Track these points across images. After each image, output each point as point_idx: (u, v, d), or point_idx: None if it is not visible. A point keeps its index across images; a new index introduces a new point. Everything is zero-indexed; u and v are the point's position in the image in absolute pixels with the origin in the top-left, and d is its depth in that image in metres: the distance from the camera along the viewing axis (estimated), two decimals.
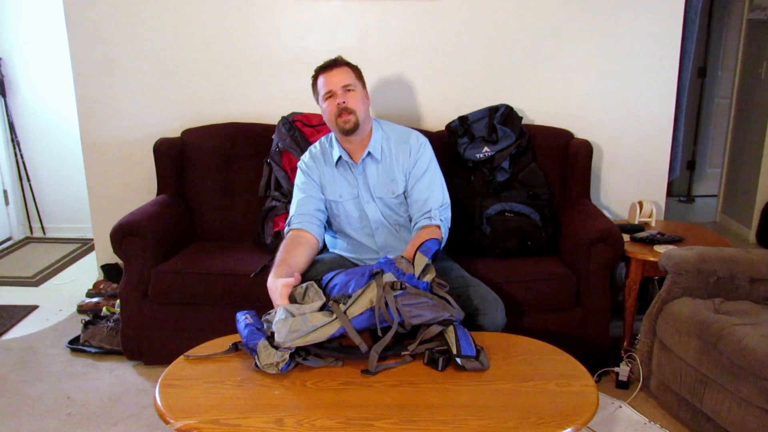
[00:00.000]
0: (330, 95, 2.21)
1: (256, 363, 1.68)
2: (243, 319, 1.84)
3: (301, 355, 1.70)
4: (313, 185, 2.31)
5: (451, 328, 1.72)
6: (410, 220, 2.31)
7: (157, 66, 3.12)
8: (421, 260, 1.84)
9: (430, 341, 1.73)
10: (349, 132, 2.22)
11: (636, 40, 3.01)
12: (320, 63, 2.30)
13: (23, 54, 4.22)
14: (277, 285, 1.87)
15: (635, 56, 3.03)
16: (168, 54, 3.11)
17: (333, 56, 2.29)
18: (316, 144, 2.40)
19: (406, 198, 2.31)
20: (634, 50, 3.03)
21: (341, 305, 1.72)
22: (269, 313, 1.83)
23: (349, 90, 2.21)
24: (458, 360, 1.64)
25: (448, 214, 2.29)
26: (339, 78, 2.20)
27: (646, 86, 3.06)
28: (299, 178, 2.34)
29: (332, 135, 2.35)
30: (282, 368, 1.66)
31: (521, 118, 2.94)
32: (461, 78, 3.09)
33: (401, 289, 1.73)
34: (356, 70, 2.27)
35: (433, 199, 2.26)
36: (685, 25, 3.15)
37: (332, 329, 1.68)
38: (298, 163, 2.38)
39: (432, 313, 1.72)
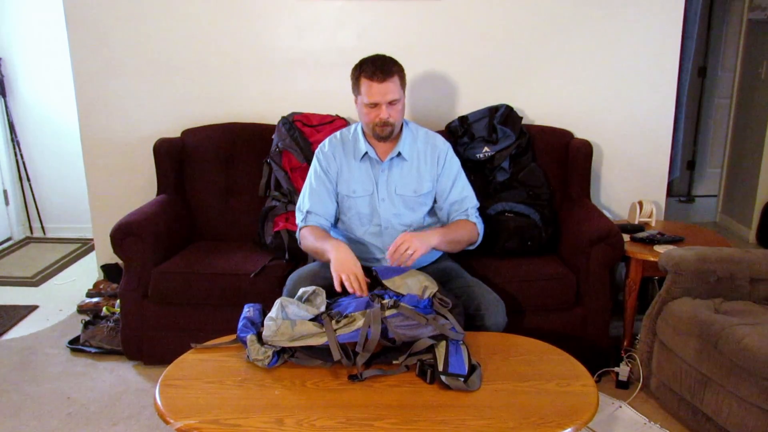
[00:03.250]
0: (374, 105, 2.17)
1: (248, 355, 1.72)
2: (246, 311, 1.86)
3: (289, 353, 1.70)
4: (329, 180, 2.31)
5: (442, 343, 1.67)
6: (431, 216, 2.37)
7: (156, 66, 3.12)
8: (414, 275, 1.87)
9: (422, 353, 1.68)
10: (384, 139, 2.25)
11: (636, 40, 3.01)
12: (353, 56, 2.22)
13: (23, 54, 4.22)
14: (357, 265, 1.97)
15: (635, 56, 3.03)
16: (168, 54, 3.11)
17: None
18: (337, 134, 2.38)
19: (437, 198, 2.34)
20: (634, 50, 3.03)
21: (334, 321, 1.71)
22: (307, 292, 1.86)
23: (393, 104, 2.17)
24: (443, 378, 1.59)
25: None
26: (388, 92, 2.14)
27: (646, 86, 3.06)
28: (316, 168, 2.32)
29: (358, 129, 2.33)
30: (268, 364, 1.68)
31: (521, 118, 2.94)
32: (461, 78, 3.09)
33: (395, 308, 1.71)
34: (402, 76, 2.21)
35: (469, 199, 2.34)
36: (685, 25, 3.15)
37: (318, 342, 1.67)
38: (316, 151, 2.36)
39: (426, 333, 1.68)
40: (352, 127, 2.38)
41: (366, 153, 2.28)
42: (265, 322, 1.73)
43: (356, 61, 2.25)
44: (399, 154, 2.29)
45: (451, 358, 1.62)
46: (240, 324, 1.81)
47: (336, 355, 1.64)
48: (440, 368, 1.60)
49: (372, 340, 1.65)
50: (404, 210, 2.31)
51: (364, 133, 2.31)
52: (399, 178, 2.30)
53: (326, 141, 2.37)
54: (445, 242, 2.16)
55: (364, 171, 2.30)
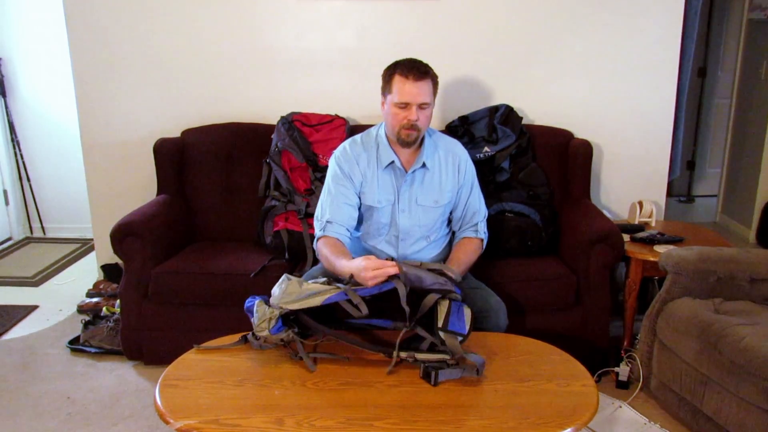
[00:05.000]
0: (404, 106, 2.08)
1: (252, 332, 1.70)
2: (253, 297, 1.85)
3: (294, 317, 1.69)
4: (351, 187, 2.19)
5: (445, 301, 1.64)
6: (448, 224, 2.34)
7: (156, 66, 3.12)
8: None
9: (428, 351, 1.65)
10: (408, 145, 2.17)
11: (636, 40, 3.01)
12: (396, 58, 2.13)
13: (23, 54, 4.22)
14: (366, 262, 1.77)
15: (635, 56, 3.03)
16: (168, 54, 3.11)
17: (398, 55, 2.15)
18: (356, 138, 2.26)
19: (454, 207, 2.30)
20: (634, 50, 3.03)
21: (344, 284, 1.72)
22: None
23: (423, 108, 2.10)
24: (441, 333, 1.55)
25: (486, 225, 2.34)
26: (421, 93, 2.07)
27: (646, 86, 3.06)
28: (336, 174, 2.20)
29: (381, 134, 2.23)
30: (272, 330, 1.66)
31: (521, 118, 2.94)
32: (461, 78, 3.09)
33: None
34: (435, 83, 2.14)
35: (480, 211, 2.31)
36: (685, 25, 3.16)
37: (327, 294, 1.64)
38: (334, 158, 2.24)
39: (431, 278, 1.67)
40: (372, 131, 2.28)
41: (392, 162, 2.19)
42: (271, 292, 1.71)
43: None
44: (423, 164, 2.21)
45: (452, 316, 1.61)
46: (248, 302, 1.79)
47: (355, 299, 1.61)
48: (440, 324, 1.58)
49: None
50: (423, 220, 2.25)
51: (387, 138, 2.22)
52: (420, 188, 2.23)
53: (346, 145, 2.25)
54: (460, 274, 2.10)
55: (388, 180, 2.21)
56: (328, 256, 2.04)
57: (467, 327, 1.60)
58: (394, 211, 2.23)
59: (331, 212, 2.16)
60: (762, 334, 1.93)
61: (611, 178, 3.17)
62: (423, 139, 2.21)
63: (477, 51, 3.06)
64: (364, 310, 1.62)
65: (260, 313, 1.69)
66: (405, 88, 2.06)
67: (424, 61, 2.14)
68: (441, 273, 1.74)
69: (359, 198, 2.21)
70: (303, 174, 2.81)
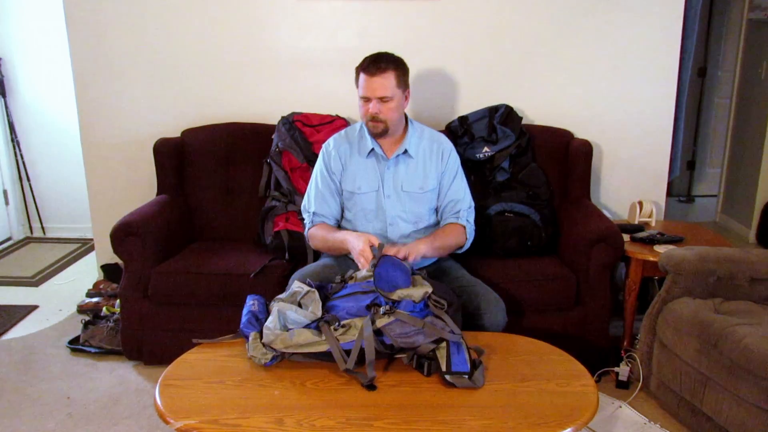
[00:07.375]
0: (366, 100, 2.21)
1: (248, 348, 1.73)
2: (250, 303, 1.87)
3: (288, 356, 1.71)
4: (332, 179, 2.34)
5: (443, 344, 1.65)
6: (436, 213, 2.39)
7: (157, 66, 3.12)
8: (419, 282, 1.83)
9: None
10: (377, 136, 2.28)
11: (636, 40, 3.01)
12: (360, 57, 2.25)
13: (23, 54, 4.22)
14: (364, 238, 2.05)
15: (635, 56, 3.03)
16: (168, 54, 3.11)
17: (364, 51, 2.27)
18: (342, 131, 2.41)
19: (438, 195, 2.36)
20: (634, 50, 3.03)
21: (331, 328, 1.70)
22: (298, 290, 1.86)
23: (385, 101, 2.19)
24: (447, 377, 1.60)
25: (473, 216, 2.38)
26: (378, 87, 2.17)
27: (646, 86, 3.06)
28: (321, 167, 2.36)
29: (365, 125, 2.33)
30: (266, 363, 1.69)
31: (521, 118, 2.94)
32: (461, 78, 3.09)
33: (391, 314, 1.69)
34: (399, 74, 2.20)
35: (463, 201, 2.36)
36: (685, 25, 3.15)
37: (320, 349, 1.67)
38: (322, 148, 2.40)
39: (424, 339, 1.67)
40: (357, 124, 2.40)
41: (372, 149, 2.30)
42: (264, 330, 1.73)
43: (356, 61, 2.24)
44: (405, 151, 2.31)
45: (453, 357, 1.62)
46: (244, 318, 1.81)
47: (342, 364, 1.63)
48: (443, 368, 1.61)
49: (369, 351, 1.64)
50: (410, 206, 2.32)
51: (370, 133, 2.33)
52: (405, 175, 2.32)
53: (332, 138, 2.40)
54: (432, 249, 2.18)
55: (370, 167, 2.32)
56: (324, 236, 2.26)
57: (468, 364, 1.61)
58: (380, 197, 2.31)
59: (317, 205, 2.34)
60: (762, 334, 1.93)
61: (611, 178, 3.17)
62: (407, 128, 2.32)
63: (477, 51, 3.06)
64: (347, 365, 1.64)
65: (254, 348, 1.71)
66: (365, 84, 2.20)
67: (409, 56, 2.26)
68: (436, 316, 1.72)
69: (340, 185, 2.34)
70: (304, 174, 2.81)
